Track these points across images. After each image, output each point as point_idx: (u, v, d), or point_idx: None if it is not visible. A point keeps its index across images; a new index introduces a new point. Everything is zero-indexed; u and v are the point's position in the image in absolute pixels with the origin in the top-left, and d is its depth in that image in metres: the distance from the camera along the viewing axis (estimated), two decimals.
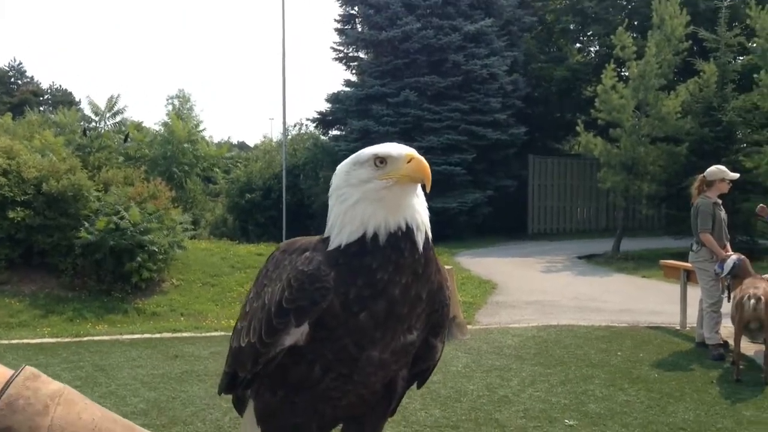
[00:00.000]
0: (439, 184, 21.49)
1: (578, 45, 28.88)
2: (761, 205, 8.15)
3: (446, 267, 8.24)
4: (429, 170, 1.76)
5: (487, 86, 22.70)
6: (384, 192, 1.76)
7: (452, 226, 21.71)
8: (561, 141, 25.44)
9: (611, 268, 15.81)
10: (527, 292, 12.54)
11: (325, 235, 1.87)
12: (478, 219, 22.64)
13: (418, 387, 2.16)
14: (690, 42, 17.31)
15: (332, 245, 1.83)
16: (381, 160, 1.79)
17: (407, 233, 1.80)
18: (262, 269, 2.04)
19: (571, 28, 27.80)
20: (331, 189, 1.87)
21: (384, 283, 1.78)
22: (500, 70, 22.86)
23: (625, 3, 25.66)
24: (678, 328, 9.03)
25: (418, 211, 1.83)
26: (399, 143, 1.85)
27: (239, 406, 2.21)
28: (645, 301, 11.35)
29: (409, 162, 1.76)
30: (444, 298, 1.96)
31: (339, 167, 1.87)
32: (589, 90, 18.73)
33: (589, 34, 27.62)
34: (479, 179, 22.60)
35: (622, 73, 18.89)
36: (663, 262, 10.32)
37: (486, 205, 22.49)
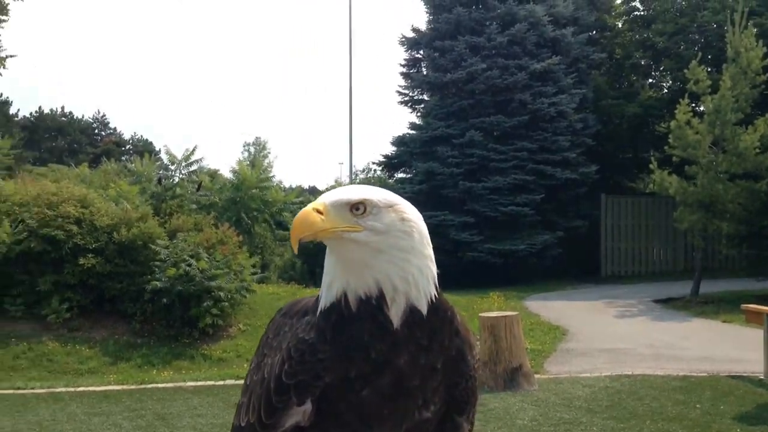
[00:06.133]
0: (507, 225, 21.16)
1: (650, 80, 28.23)
2: None
3: (512, 313, 7.90)
4: (295, 230, 1.55)
5: (555, 124, 22.36)
6: (329, 244, 1.60)
7: (520, 269, 21.24)
8: (634, 179, 24.75)
9: (690, 312, 15.03)
10: (600, 338, 12.01)
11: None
12: (548, 261, 22.07)
13: None
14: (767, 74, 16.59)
15: (320, 308, 1.64)
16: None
17: (380, 300, 1.56)
18: (263, 336, 1.82)
19: (642, 63, 27.22)
20: None
21: (384, 356, 1.55)
22: (569, 108, 22.51)
23: (697, 37, 24.96)
24: (762, 377, 8.42)
25: (391, 271, 1.56)
26: (367, 188, 1.65)
27: None
28: (726, 348, 10.68)
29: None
30: (467, 369, 1.69)
31: None
32: (662, 126, 18.12)
33: (661, 69, 26.97)
34: (549, 220, 22.11)
35: (697, 108, 18.25)
36: (745, 306, 9.69)
37: (556, 247, 21.94)
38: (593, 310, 15.61)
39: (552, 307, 15.62)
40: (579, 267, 22.92)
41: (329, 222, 1.56)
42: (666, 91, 26.61)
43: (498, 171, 21.49)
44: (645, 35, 26.00)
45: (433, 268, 1.65)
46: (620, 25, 28.22)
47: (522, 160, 21.62)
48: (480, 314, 9.21)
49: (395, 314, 1.57)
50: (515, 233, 21.18)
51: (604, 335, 12.31)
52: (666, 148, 17.09)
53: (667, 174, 17.12)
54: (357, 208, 1.57)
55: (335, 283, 1.60)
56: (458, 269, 20.48)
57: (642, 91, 26.26)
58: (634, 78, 27.77)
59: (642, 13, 26.76)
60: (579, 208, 23.17)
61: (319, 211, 1.56)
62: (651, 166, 17.50)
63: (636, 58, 26.54)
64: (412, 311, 1.58)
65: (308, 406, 1.59)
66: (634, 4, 26.99)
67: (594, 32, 26.51)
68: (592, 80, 25.27)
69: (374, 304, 1.56)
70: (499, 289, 17.24)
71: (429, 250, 1.65)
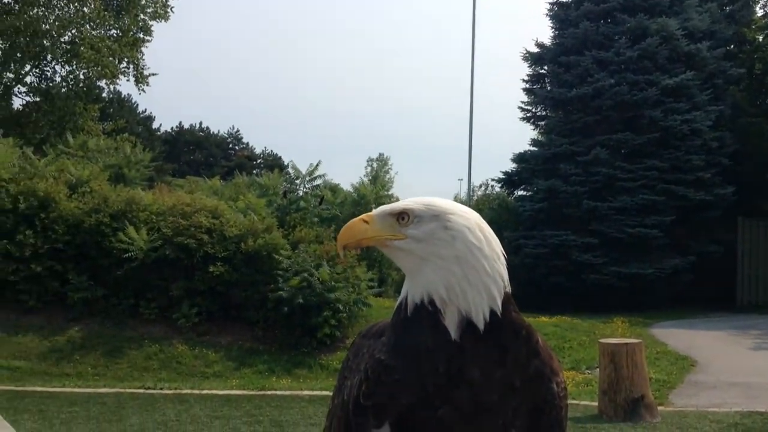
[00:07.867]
0: (633, 247, 20.29)
1: None
2: None
3: (634, 340, 7.57)
4: (341, 237, 1.71)
5: (689, 143, 21.23)
6: (385, 253, 1.71)
7: (648, 294, 20.24)
8: None
9: None
10: (732, 371, 11.24)
11: None
12: (678, 287, 20.91)
13: None
14: None
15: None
16: None
17: (434, 308, 1.57)
18: (345, 359, 1.85)
19: None
20: None
21: (453, 367, 1.53)
22: (704, 126, 21.31)
23: None
24: None
25: (436, 280, 1.58)
26: (429, 198, 1.72)
27: None
28: None
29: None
30: (551, 396, 1.62)
31: None
32: None
33: None
34: (679, 243, 20.95)
35: None
36: None
37: (687, 272, 20.75)
38: (726, 341, 14.65)
39: (680, 336, 14.79)
40: (712, 294, 21.54)
41: (372, 230, 1.68)
42: None
43: (625, 190, 20.67)
44: None
45: (490, 283, 1.59)
46: (761, 39, 26.52)
47: (651, 179, 20.68)
48: (600, 340, 8.89)
49: (450, 324, 1.57)
50: (643, 256, 20.26)
51: (737, 368, 11.52)
52: None
53: None
54: (402, 217, 1.65)
55: (402, 288, 1.69)
56: (580, 292, 19.82)
57: None
58: None
59: None
60: (713, 231, 21.82)
61: (365, 221, 1.69)
62: None
63: None
64: (469, 324, 1.56)
65: (386, 429, 1.58)
66: None
67: (732, 46, 25.03)
68: (730, 96, 23.81)
69: (429, 310, 1.58)
70: (623, 314, 16.54)
71: (485, 262, 1.60)
